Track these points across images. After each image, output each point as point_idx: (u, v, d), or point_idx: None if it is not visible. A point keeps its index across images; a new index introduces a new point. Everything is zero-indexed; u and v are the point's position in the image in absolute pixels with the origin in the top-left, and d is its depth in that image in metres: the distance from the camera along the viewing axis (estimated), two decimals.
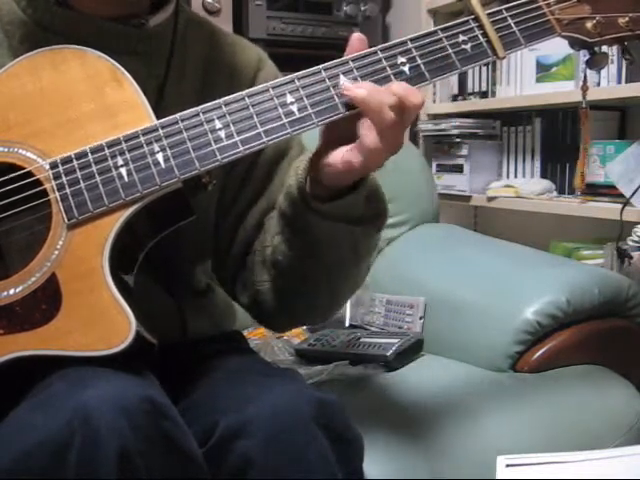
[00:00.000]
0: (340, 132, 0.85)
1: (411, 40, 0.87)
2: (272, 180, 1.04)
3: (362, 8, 2.59)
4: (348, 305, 1.62)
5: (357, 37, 0.87)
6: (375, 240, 0.96)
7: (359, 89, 0.82)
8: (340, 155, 0.84)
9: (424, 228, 1.83)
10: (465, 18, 0.88)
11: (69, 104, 0.86)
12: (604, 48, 0.93)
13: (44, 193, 0.83)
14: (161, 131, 0.84)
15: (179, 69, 1.00)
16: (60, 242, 0.82)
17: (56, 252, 0.81)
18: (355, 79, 0.85)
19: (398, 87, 0.82)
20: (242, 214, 1.04)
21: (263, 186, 1.04)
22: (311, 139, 0.92)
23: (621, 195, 1.73)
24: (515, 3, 0.89)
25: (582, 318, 1.36)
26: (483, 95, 2.27)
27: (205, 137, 0.84)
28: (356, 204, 0.90)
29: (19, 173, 0.84)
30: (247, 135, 0.84)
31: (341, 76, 0.85)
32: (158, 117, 0.85)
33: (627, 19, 0.89)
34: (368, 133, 0.81)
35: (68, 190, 0.82)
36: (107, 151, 0.83)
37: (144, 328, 0.80)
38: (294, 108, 0.84)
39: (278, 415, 0.80)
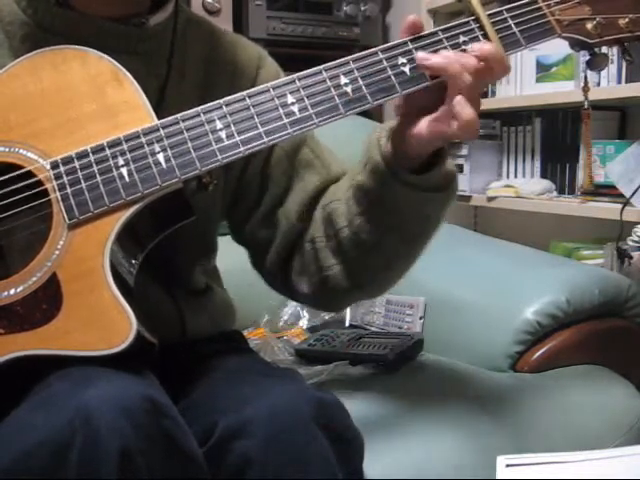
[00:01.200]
0: (421, 103, 0.87)
1: (411, 41, 0.87)
2: (298, 170, 1.04)
3: (362, 8, 2.59)
4: None
5: (412, 19, 0.88)
6: (446, 209, 0.97)
7: (436, 57, 0.84)
8: (426, 126, 0.85)
9: None
10: (466, 19, 0.89)
11: (70, 104, 0.86)
12: (604, 49, 0.93)
13: (45, 193, 0.83)
14: (162, 131, 0.84)
15: (179, 69, 1.00)
16: (61, 242, 0.82)
17: (57, 252, 0.81)
18: (355, 79, 0.85)
19: (481, 48, 0.84)
20: (272, 211, 1.04)
21: (290, 178, 1.04)
22: (322, 135, 0.91)
23: (621, 195, 1.73)
24: (515, 4, 0.89)
25: (582, 318, 1.36)
26: (483, 95, 2.27)
27: (206, 137, 0.84)
28: (439, 173, 0.91)
29: (20, 172, 0.84)
30: (248, 135, 0.84)
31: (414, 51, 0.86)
32: (159, 117, 0.85)
33: (627, 20, 0.89)
34: (462, 105, 0.83)
35: (69, 190, 0.82)
36: (108, 151, 0.83)
37: (144, 328, 0.80)
38: (295, 108, 0.84)
39: (278, 415, 0.80)
